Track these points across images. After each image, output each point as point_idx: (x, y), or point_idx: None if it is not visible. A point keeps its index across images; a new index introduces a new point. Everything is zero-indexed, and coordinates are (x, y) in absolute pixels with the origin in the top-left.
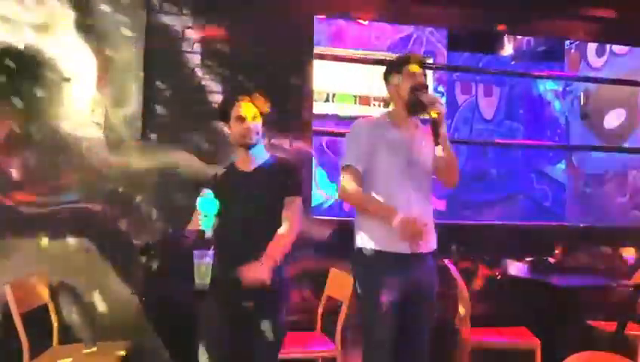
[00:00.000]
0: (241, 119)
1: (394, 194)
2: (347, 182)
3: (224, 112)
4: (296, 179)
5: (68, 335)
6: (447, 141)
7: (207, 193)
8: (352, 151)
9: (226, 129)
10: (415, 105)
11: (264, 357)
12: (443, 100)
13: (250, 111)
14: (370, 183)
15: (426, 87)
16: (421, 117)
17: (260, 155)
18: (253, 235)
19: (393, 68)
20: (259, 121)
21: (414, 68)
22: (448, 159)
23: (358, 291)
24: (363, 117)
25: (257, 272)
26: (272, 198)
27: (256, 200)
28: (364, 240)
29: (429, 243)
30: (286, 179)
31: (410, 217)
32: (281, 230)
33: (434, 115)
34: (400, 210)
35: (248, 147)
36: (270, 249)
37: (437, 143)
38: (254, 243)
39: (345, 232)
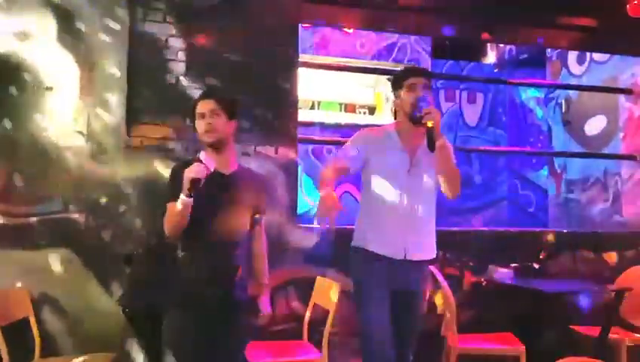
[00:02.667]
0: (201, 116)
1: (391, 200)
2: (328, 166)
3: (192, 113)
4: (266, 195)
5: (50, 348)
6: (448, 152)
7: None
8: (342, 151)
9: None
10: (415, 117)
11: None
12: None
13: (209, 108)
14: (370, 190)
15: (424, 99)
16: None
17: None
18: (230, 244)
19: (396, 83)
20: (222, 120)
21: (414, 81)
22: (448, 170)
23: (352, 287)
24: (373, 126)
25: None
26: (248, 209)
27: (237, 205)
28: (357, 240)
29: (424, 251)
30: (259, 193)
31: (330, 194)
32: (260, 249)
33: (429, 124)
34: (396, 217)
35: (213, 146)
36: (263, 276)
37: (431, 150)
38: (230, 253)
39: (331, 240)
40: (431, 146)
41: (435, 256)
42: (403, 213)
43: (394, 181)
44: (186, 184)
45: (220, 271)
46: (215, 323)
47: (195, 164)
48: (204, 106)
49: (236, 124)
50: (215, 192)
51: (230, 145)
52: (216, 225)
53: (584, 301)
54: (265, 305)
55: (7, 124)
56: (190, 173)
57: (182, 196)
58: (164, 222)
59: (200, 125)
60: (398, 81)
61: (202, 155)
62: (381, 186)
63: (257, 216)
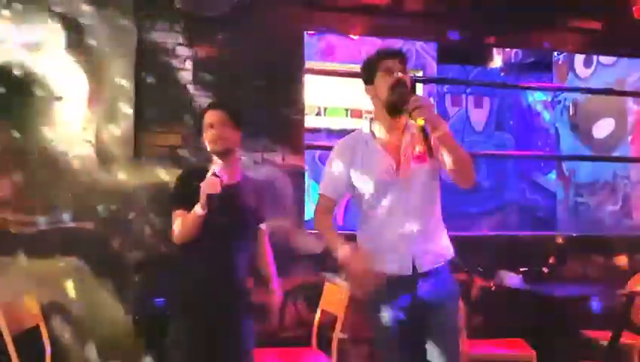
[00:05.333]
0: (210, 125)
1: (381, 209)
2: (317, 209)
3: (200, 123)
4: (268, 204)
5: (60, 357)
6: (452, 140)
7: None
8: (324, 179)
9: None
10: (395, 105)
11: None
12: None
13: (218, 118)
14: (360, 206)
15: (405, 83)
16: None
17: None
18: (236, 252)
19: (369, 68)
20: (230, 129)
21: (391, 64)
22: (458, 160)
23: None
24: (348, 133)
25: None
26: (254, 218)
27: (242, 214)
28: None
29: (435, 256)
30: (262, 203)
31: (354, 254)
32: (266, 257)
33: (420, 122)
34: (394, 227)
35: (221, 154)
36: (273, 282)
37: (430, 155)
38: (236, 262)
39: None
40: (429, 149)
41: (452, 256)
42: (401, 221)
43: (382, 189)
44: (202, 199)
45: (225, 281)
46: (219, 333)
47: (210, 177)
48: (212, 116)
49: (241, 133)
50: (220, 202)
51: (236, 155)
52: (221, 234)
53: (595, 305)
54: (275, 308)
55: (17, 133)
56: (205, 188)
57: (197, 208)
58: (173, 230)
59: (208, 134)
60: (370, 65)
61: (217, 167)
62: (370, 198)
63: (261, 224)
